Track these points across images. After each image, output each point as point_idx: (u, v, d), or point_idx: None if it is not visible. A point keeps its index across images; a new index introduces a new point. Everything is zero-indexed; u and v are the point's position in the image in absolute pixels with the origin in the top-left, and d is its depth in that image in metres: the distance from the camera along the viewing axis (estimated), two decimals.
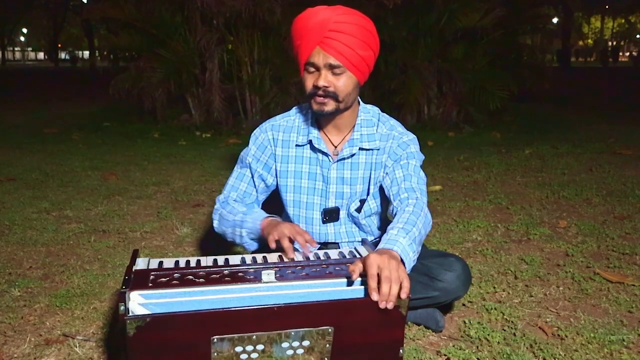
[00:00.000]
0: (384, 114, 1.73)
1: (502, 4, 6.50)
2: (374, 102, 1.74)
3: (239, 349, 1.19)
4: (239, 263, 1.41)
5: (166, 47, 6.47)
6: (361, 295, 1.25)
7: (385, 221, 1.74)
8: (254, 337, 1.19)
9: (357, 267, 1.22)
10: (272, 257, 1.46)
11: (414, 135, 1.71)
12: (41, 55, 67.36)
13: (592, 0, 36.66)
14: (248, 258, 1.45)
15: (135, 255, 1.37)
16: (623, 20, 49.48)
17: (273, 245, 1.48)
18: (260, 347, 1.20)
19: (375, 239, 1.75)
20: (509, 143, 5.66)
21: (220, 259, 1.44)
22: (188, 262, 1.39)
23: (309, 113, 1.69)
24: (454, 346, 1.68)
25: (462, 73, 6.61)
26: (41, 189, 3.72)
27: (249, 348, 1.19)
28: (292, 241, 1.49)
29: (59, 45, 48.53)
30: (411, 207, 1.47)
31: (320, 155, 1.68)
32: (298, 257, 1.45)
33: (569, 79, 17.20)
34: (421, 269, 1.61)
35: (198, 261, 1.40)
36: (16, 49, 64.37)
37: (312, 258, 1.44)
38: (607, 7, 42.66)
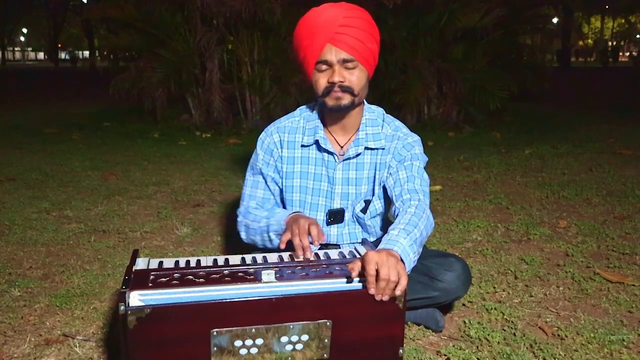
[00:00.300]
0: (389, 115, 1.74)
1: (502, 4, 6.50)
2: (374, 102, 1.75)
3: (238, 343, 1.19)
4: (239, 263, 1.41)
5: (166, 47, 6.47)
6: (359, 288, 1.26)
7: (387, 222, 1.74)
8: (253, 330, 1.19)
9: (357, 266, 1.23)
10: (272, 257, 1.47)
11: (419, 137, 1.71)
12: (41, 55, 67.38)
13: (592, 0, 36.62)
14: (248, 258, 1.45)
15: (135, 255, 1.37)
16: (623, 20, 49.44)
17: (282, 246, 1.47)
18: (259, 341, 1.20)
19: (377, 239, 1.75)
20: (509, 143, 5.66)
21: (220, 259, 1.44)
22: (188, 262, 1.39)
23: (315, 113, 1.69)
24: (454, 346, 1.68)
25: (462, 73, 6.60)
26: (41, 189, 3.72)
27: (249, 342, 1.20)
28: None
29: (59, 45, 48.56)
30: (413, 208, 1.47)
31: (326, 156, 1.68)
32: (300, 257, 1.45)
33: (569, 79, 17.21)
34: (421, 269, 1.61)
35: (198, 261, 1.40)
36: (16, 49, 64.39)
37: (312, 258, 1.44)
38: (607, 7, 42.60)
